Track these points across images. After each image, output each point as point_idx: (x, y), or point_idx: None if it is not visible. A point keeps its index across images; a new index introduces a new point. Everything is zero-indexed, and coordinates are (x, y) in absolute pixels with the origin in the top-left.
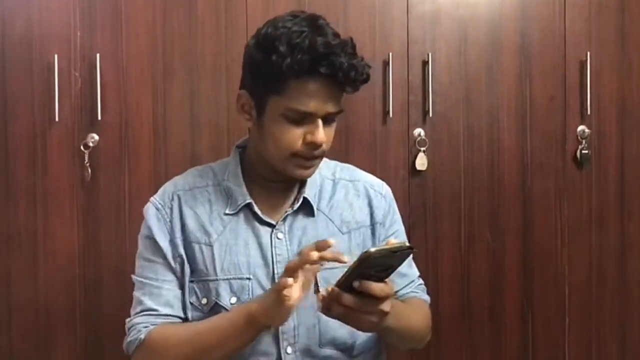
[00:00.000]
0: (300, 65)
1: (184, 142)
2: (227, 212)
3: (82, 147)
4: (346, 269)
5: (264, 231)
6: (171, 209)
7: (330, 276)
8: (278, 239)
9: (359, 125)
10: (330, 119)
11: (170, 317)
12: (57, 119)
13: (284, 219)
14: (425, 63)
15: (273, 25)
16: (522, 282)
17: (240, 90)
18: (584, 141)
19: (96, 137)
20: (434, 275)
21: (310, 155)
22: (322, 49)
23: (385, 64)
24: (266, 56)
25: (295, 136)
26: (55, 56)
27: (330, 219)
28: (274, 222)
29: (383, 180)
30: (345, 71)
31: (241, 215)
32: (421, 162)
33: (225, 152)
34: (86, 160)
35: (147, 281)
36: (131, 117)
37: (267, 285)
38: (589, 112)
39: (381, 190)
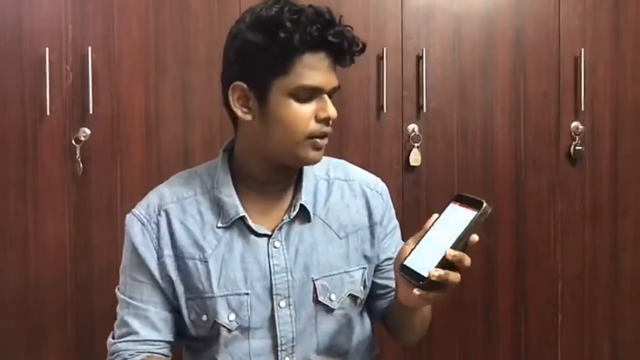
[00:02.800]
0: (311, 36)
1: (177, 136)
2: (219, 225)
3: (73, 141)
4: (463, 230)
5: (260, 242)
6: (157, 224)
7: (329, 284)
8: (275, 247)
9: (353, 121)
10: (331, 94)
11: (156, 343)
12: (48, 113)
13: (280, 227)
14: (419, 58)
15: (258, 11)
16: (515, 278)
17: (232, 83)
18: (577, 137)
19: (87, 131)
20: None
21: (324, 133)
22: (328, 16)
23: (380, 58)
24: (270, 36)
25: (308, 115)
26: (47, 49)
27: (327, 224)
28: (269, 233)
29: (377, 176)
30: (349, 39)
31: (235, 228)
32: (415, 158)
33: (218, 146)
34: (77, 154)
35: (132, 302)
36: (123, 111)
37: (266, 298)
38: (582, 109)
39: (377, 189)
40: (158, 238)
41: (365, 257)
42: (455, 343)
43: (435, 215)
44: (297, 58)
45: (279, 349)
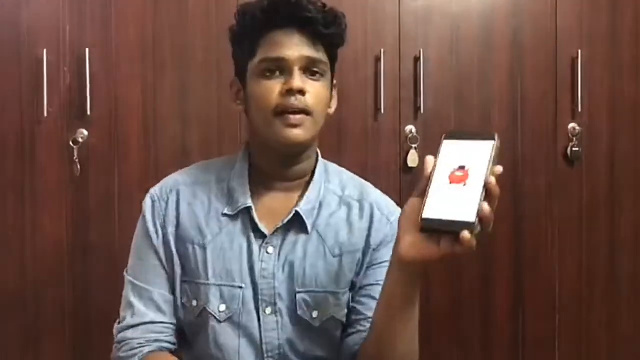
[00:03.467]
0: (271, 14)
1: (174, 137)
2: (225, 212)
3: (71, 143)
4: (488, 160)
5: (257, 241)
6: (167, 202)
7: (312, 301)
8: (268, 253)
9: (350, 121)
10: (312, 69)
11: (163, 327)
12: (45, 114)
13: (276, 232)
14: (417, 59)
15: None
16: (512, 278)
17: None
18: (574, 138)
19: (85, 132)
20: (424, 272)
21: (291, 107)
22: None
23: (377, 59)
24: (239, 23)
25: (272, 89)
26: (44, 50)
27: (322, 239)
28: (267, 233)
29: (375, 177)
30: (306, 9)
31: (239, 219)
32: (413, 159)
33: (216, 147)
34: (75, 155)
35: (139, 283)
36: (121, 112)
37: (254, 301)
38: (580, 110)
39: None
40: (164, 215)
41: (352, 281)
42: (453, 343)
43: (431, 158)
44: (262, 38)
45: (265, 355)
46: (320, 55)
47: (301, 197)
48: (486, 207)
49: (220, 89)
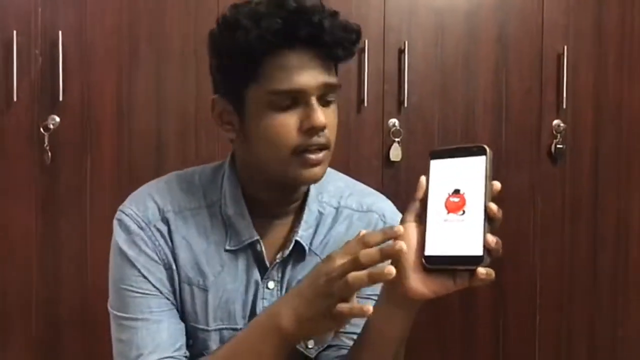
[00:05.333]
0: (270, 33)
1: (150, 127)
2: (227, 247)
3: (41, 129)
4: (484, 181)
5: (257, 275)
6: (159, 231)
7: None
8: (268, 288)
9: None
10: (326, 98)
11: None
12: (15, 99)
13: (275, 265)
14: (401, 52)
15: (233, 7)
16: (493, 288)
17: (213, 95)
18: (559, 135)
19: (57, 118)
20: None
21: (314, 145)
22: (293, 8)
23: (361, 51)
24: (230, 37)
25: (290, 126)
26: (14, 32)
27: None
28: (268, 266)
29: (356, 171)
30: (329, 30)
31: (242, 254)
32: (395, 153)
33: (193, 139)
34: (46, 143)
35: (141, 317)
36: (94, 99)
37: None
38: (564, 106)
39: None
40: (161, 246)
41: None
42: (432, 341)
43: (423, 181)
44: (264, 60)
45: None
46: (334, 78)
47: (296, 220)
48: (491, 239)
49: (198, 79)
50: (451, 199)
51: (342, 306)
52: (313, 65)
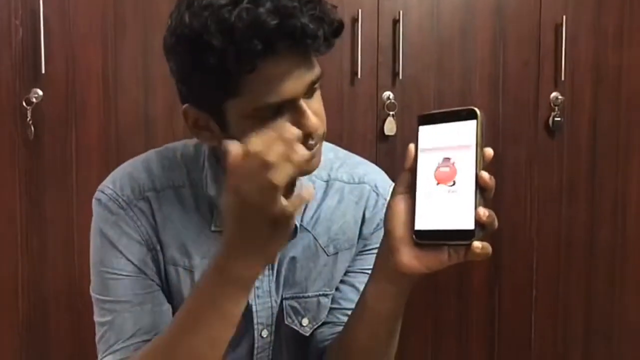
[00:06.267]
0: (249, 53)
1: (137, 100)
2: (213, 228)
3: (24, 103)
4: (475, 149)
5: None
6: (142, 211)
7: (301, 307)
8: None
9: (325, 87)
10: (312, 90)
11: None
12: None
13: None
14: (396, 22)
15: (184, 9)
16: (489, 263)
17: (183, 105)
18: (557, 108)
19: (40, 92)
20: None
21: (309, 148)
22: (271, 19)
23: (354, 21)
24: (198, 59)
25: None
26: None
27: (314, 237)
28: None
29: (349, 145)
30: (312, 32)
31: None
32: (390, 127)
33: (181, 114)
34: (29, 117)
35: (123, 300)
36: (79, 72)
37: (248, 326)
38: (563, 78)
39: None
40: (144, 226)
41: None
42: (428, 318)
43: (412, 149)
44: (245, 77)
45: None
46: (317, 70)
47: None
48: (482, 212)
49: None
50: (441, 168)
51: (285, 204)
52: (298, 68)
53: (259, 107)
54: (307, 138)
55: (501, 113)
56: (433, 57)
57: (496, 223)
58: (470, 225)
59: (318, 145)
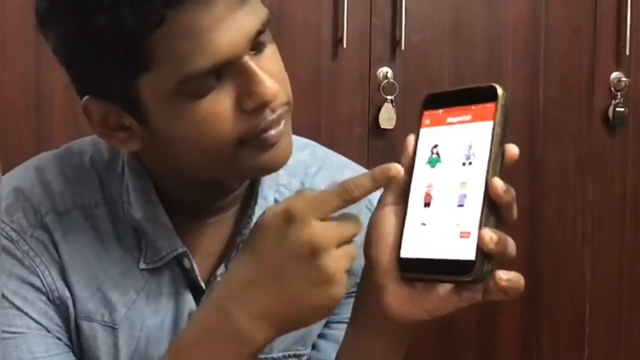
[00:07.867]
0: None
1: (24, 70)
2: (142, 265)
3: None
4: (489, 146)
5: (189, 299)
6: (42, 244)
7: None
8: None
9: (297, 61)
10: (260, 43)
11: None
12: None
13: (215, 278)
14: None
15: None
16: (524, 297)
17: (82, 98)
18: (619, 94)
19: None
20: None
21: (268, 123)
22: None
23: None
24: (85, 23)
25: (223, 113)
26: None
27: None
28: (204, 286)
29: (332, 141)
30: None
31: (165, 272)
32: (387, 117)
33: (81, 110)
34: None
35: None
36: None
37: None
38: (627, 52)
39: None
40: (43, 264)
41: None
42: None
43: (410, 142)
44: (153, 31)
45: None
46: (263, 12)
47: (242, 215)
48: (487, 235)
49: None
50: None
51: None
52: (231, 12)
53: (184, 78)
54: (262, 107)
55: (541, 99)
56: (447, 19)
57: (511, 250)
58: (470, 254)
59: (284, 121)
